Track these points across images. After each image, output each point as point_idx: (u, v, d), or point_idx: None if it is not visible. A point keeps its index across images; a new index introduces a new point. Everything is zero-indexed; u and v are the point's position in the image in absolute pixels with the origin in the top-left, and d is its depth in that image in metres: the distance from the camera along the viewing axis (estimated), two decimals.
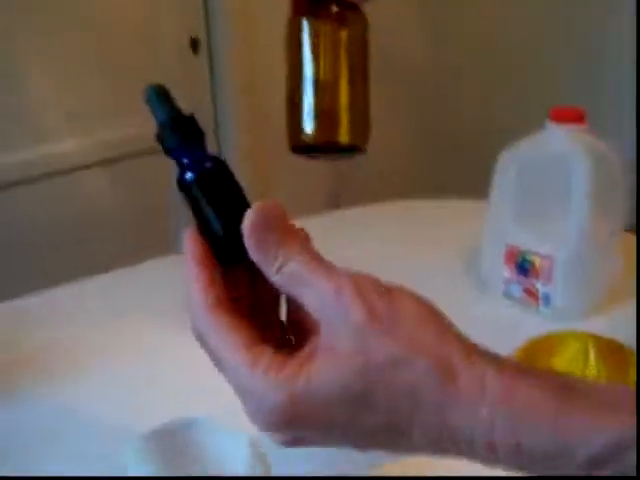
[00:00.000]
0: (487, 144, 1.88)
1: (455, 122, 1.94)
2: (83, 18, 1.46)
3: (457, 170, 1.93)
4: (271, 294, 0.45)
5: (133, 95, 1.66)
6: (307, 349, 0.40)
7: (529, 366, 0.40)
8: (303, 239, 0.42)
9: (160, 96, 0.44)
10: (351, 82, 0.46)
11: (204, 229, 0.44)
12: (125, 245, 1.60)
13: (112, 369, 0.85)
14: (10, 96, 1.43)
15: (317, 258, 0.41)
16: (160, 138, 0.44)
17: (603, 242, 0.88)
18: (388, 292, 0.40)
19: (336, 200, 1.68)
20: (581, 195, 0.84)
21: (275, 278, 0.41)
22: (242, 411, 0.40)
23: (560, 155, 0.85)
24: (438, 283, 0.99)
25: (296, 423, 0.38)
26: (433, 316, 0.41)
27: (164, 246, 1.66)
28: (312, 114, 0.46)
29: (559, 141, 0.85)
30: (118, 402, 0.78)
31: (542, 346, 0.73)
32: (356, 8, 0.47)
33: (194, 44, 1.62)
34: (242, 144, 1.73)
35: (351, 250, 1.07)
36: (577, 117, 0.85)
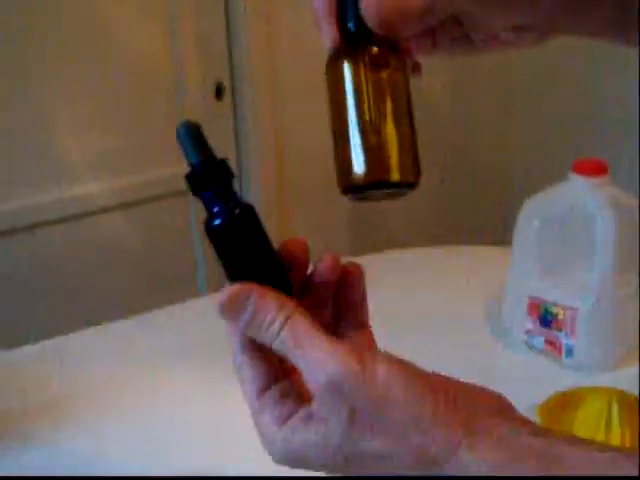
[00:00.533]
0: (507, 193, 1.89)
1: (476, 170, 1.95)
2: (109, 64, 1.49)
3: (477, 217, 1.93)
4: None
5: (156, 139, 1.70)
6: (305, 411, 0.42)
7: (528, 450, 0.39)
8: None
9: (193, 135, 0.43)
10: (396, 120, 0.46)
11: (229, 273, 0.44)
12: (150, 285, 1.61)
13: (135, 413, 0.85)
14: (36, 139, 1.46)
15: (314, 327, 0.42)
16: (190, 179, 0.43)
17: (627, 294, 0.87)
18: (373, 380, 0.40)
19: (357, 250, 1.68)
20: (605, 247, 0.83)
21: (274, 343, 0.42)
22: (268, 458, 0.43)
23: (583, 206, 0.85)
24: (459, 331, 0.99)
25: (297, 465, 0.43)
26: (424, 400, 0.40)
27: (185, 287, 1.68)
28: (360, 155, 0.46)
29: (582, 193, 0.85)
30: (142, 447, 0.78)
31: (565, 402, 0.72)
32: (395, 47, 0.48)
33: (218, 90, 1.64)
34: (264, 189, 1.74)
35: (370, 297, 1.07)
36: (600, 169, 0.85)
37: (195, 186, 0.43)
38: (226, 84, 1.65)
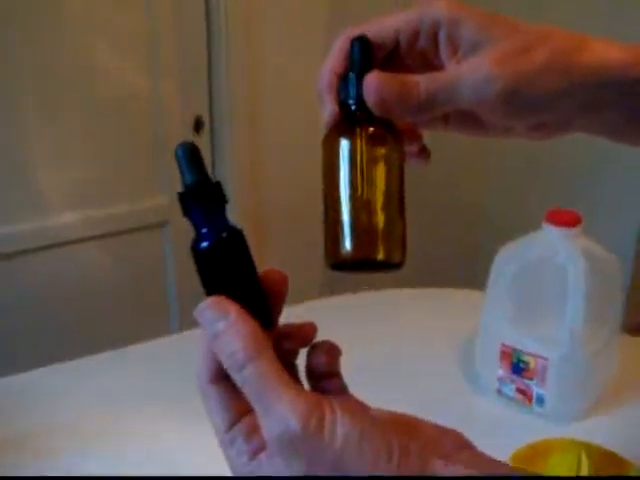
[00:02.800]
0: (480, 237, 1.90)
1: (449, 215, 1.96)
2: (88, 96, 1.49)
3: (449, 262, 1.94)
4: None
5: (135, 171, 1.70)
6: (256, 440, 0.42)
7: None
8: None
9: (190, 156, 0.43)
10: (387, 201, 0.47)
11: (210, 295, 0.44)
12: (122, 318, 1.60)
13: (110, 451, 0.83)
14: (13, 170, 1.45)
15: (278, 372, 0.42)
16: (182, 198, 0.43)
17: (599, 345, 0.87)
18: (331, 443, 0.40)
19: (330, 286, 1.68)
20: (577, 297, 0.84)
21: (236, 376, 0.42)
22: None
23: (556, 256, 0.86)
24: (430, 375, 0.99)
25: None
26: (378, 456, 0.40)
27: (161, 320, 1.67)
28: (349, 233, 0.46)
29: (555, 243, 0.86)
30: None
31: (535, 454, 0.72)
32: (393, 129, 0.48)
33: (197, 124, 1.64)
34: (240, 223, 1.74)
35: (342, 336, 1.06)
36: (573, 220, 0.85)
37: (186, 205, 0.43)
38: (205, 119, 1.66)
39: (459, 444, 0.42)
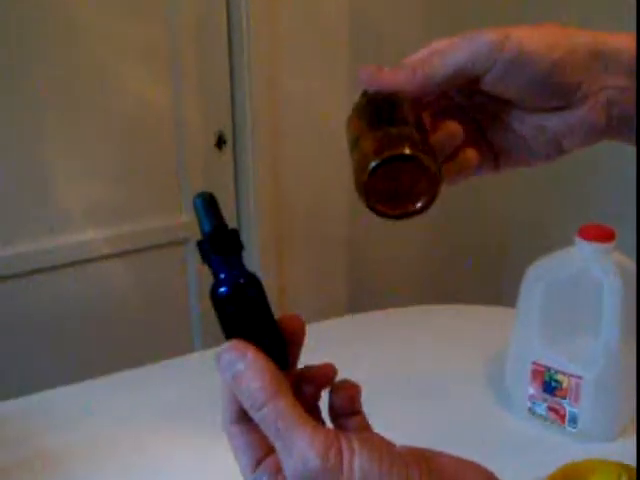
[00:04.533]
0: (508, 256, 1.88)
1: (479, 235, 1.94)
2: (110, 113, 1.49)
3: (475, 279, 1.92)
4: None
5: (156, 189, 1.70)
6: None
7: None
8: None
9: (208, 206, 0.45)
10: (412, 127, 0.48)
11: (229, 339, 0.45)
12: (144, 335, 1.59)
13: (128, 471, 0.82)
14: (35, 187, 1.45)
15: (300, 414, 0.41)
16: (201, 247, 0.45)
17: (633, 362, 0.85)
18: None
19: (355, 305, 1.67)
20: (612, 314, 0.82)
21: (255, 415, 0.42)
22: None
23: (589, 272, 0.84)
24: (459, 394, 0.97)
25: None
26: None
27: (184, 337, 1.66)
28: (375, 150, 0.46)
29: (589, 258, 0.84)
30: None
31: (573, 475, 0.70)
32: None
33: (220, 140, 1.64)
34: (263, 240, 1.73)
35: (370, 355, 1.06)
36: (607, 235, 0.84)
37: (205, 253, 0.45)
38: (228, 134, 1.65)
39: (483, 477, 0.41)
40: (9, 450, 0.86)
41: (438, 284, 1.91)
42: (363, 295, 1.79)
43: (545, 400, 0.88)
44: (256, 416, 0.42)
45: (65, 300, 1.51)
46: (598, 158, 1.59)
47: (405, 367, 1.02)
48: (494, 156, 0.54)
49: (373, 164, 0.45)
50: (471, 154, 0.53)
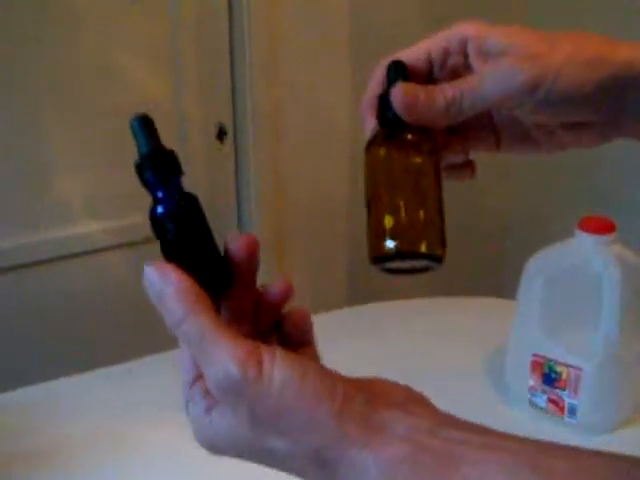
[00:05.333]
0: (507, 248, 1.88)
1: (475, 221, 1.94)
2: (109, 106, 1.49)
3: (475, 270, 1.92)
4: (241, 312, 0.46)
5: None
6: (211, 397, 0.42)
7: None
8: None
9: (144, 127, 0.47)
10: (426, 201, 0.50)
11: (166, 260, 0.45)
12: (143, 328, 1.59)
13: (127, 465, 0.82)
14: (33, 179, 1.45)
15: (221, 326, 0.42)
16: (139, 169, 0.46)
17: (634, 354, 0.85)
18: (268, 390, 0.40)
19: (355, 303, 1.67)
20: (612, 306, 0.82)
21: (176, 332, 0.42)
22: None
23: (589, 264, 0.84)
24: (459, 385, 0.97)
25: (219, 452, 0.44)
26: (319, 403, 0.39)
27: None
28: (391, 229, 0.49)
29: (589, 250, 0.84)
30: None
31: None
32: (429, 133, 0.51)
33: (220, 132, 1.64)
34: (263, 231, 1.73)
35: (369, 345, 1.06)
36: (607, 227, 0.84)
37: (142, 174, 0.46)
38: (228, 126, 1.65)
39: (412, 398, 0.42)
40: (9, 442, 0.86)
41: (438, 277, 1.91)
42: (363, 292, 1.79)
43: (545, 392, 0.88)
44: (177, 333, 0.42)
45: (65, 292, 1.51)
46: (599, 150, 1.59)
47: (405, 359, 1.02)
48: (496, 137, 0.55)
49: (388, 252, 0.49)
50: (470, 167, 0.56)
